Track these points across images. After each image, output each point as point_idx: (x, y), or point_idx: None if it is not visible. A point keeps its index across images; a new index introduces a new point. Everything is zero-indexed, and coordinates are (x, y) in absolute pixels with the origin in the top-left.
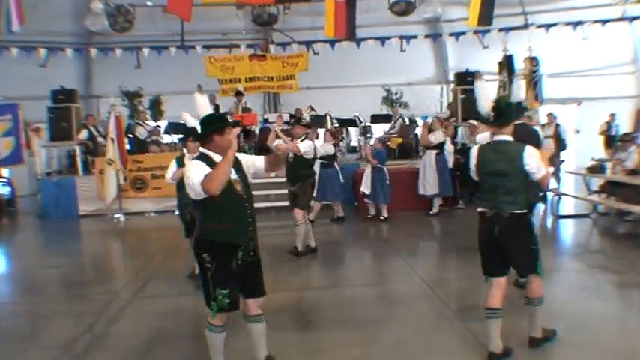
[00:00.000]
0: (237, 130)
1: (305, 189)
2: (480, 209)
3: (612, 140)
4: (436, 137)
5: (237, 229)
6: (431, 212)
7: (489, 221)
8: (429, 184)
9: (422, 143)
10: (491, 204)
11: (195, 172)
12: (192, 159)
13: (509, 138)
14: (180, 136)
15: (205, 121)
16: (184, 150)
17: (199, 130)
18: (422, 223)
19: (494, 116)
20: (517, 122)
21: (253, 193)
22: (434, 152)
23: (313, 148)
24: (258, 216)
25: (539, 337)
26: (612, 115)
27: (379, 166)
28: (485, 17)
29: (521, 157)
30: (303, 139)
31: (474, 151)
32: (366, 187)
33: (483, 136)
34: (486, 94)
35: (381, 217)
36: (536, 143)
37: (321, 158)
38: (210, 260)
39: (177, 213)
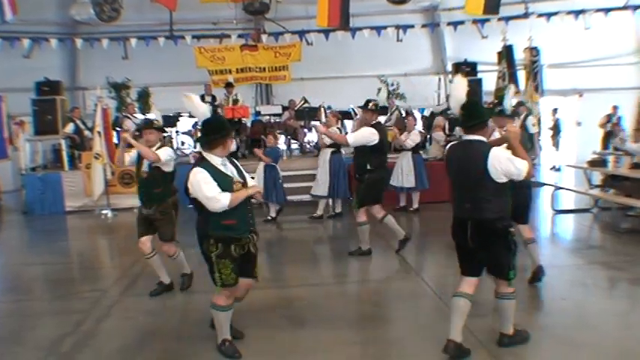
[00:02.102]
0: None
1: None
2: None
3: (610, 136)
4: (412, 139)
5: (240, 224)
6: (411, 208)
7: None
8: (406, 178)
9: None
10: (458, 208)
11: (209, 188)
12: (195, 165)
13: (479, 137)
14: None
15: (211, 127)
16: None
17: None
18: (418, 219)
19: (463, 117)
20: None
21: None
22: (410, 153)
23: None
24: None
25: (510, 333)
26: (615, 108)
27: (272, 164)
28: (492, 5)
29: (485, 159)
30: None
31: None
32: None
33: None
34: (459, 93)
35: (269, 217)
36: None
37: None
38: (215, 243)
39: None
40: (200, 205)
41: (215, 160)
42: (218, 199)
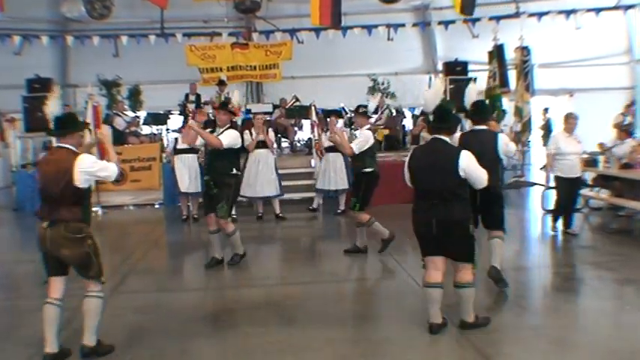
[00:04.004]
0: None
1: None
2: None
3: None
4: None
5: None
6: (339, 210)
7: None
8: (340, 179)
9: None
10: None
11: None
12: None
13: (445, 138)
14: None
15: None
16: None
17: None
18: (408, 218)
19: (434, 119)
20: (476, 128)
21: None
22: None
23: None
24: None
25: (471, 321)
26: (629, 107)
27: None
28: (468, 6)
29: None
30: None
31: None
32: None
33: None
34: (433, 97)
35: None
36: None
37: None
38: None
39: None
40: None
41: None
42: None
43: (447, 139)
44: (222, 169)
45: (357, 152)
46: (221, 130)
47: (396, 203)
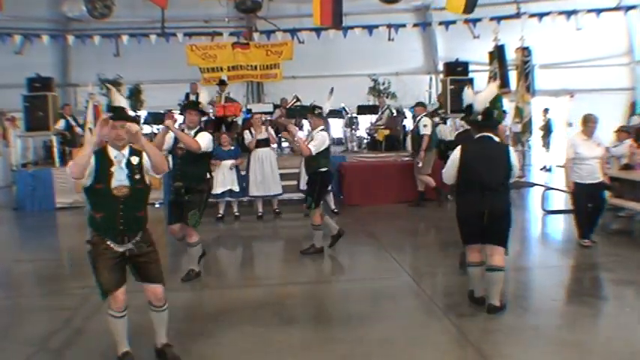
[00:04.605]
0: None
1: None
2: None
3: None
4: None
5: None
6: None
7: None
8: None
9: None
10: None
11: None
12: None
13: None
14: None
15: None
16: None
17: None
18: (408, 218)
19: (482, 118)
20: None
21: None
22: None
23: None
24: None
25: (498, 305)
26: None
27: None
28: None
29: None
30: None
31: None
32: None
33: None
34: (484, 99)
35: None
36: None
37: None
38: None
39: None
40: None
41: None
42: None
43: (492, 135)
44: (196, 174)
45: (314, 153)
46: (192, 131)
47: (395, 203)
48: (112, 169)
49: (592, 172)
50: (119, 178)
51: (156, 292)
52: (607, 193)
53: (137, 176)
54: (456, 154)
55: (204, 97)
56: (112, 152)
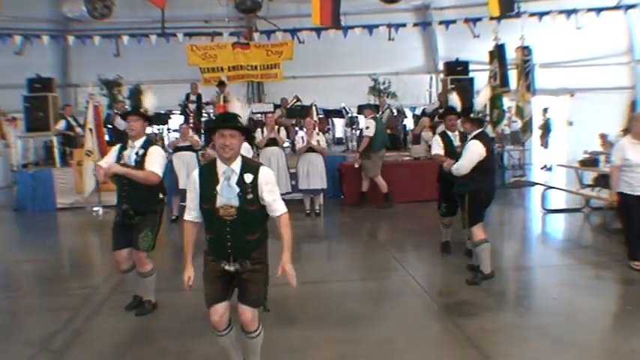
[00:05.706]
0: None
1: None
2: None
3: None
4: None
5: None
6: (317, 211)
7: None
8: (318, 179)
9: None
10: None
11: None
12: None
13: None
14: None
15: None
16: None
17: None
18: (409, 217)
19: (483, 117)
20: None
21: None
22: (314, 154)
23: None
24: None
25: (487, 273)
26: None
27: None
28: (507, 4)
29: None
30: None
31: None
32: None
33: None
34: (482, 100)
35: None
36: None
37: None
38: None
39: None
40: None
41: None
42: None
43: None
44: (147, 197)
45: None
46: (136, 144)
47: (398, 203)
48: (218, 187)
49: None
50: (226, 197)
51: (244, 315)
52: None
53: (249, 196)
54: (479, 149)
55: (149, 102)
56: (221, 167)
